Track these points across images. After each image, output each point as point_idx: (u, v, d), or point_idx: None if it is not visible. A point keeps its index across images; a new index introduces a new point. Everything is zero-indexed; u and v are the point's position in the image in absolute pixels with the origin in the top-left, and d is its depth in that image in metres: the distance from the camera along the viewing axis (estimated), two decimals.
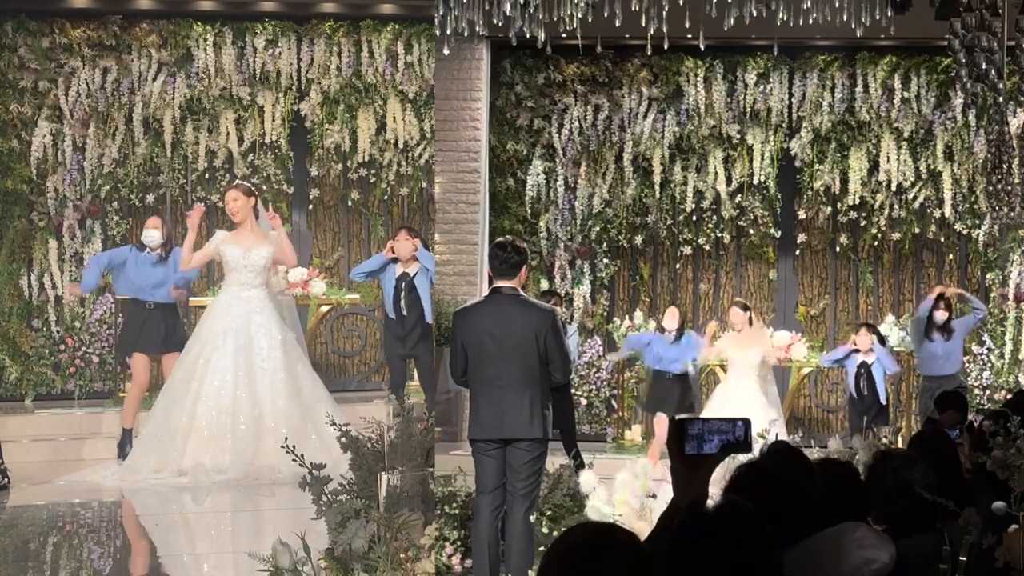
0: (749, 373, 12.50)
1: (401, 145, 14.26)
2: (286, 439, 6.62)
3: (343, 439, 6.55)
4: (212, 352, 10.96)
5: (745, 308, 12.87)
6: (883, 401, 12.69)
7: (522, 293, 8.02)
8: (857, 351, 12.78)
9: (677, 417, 3.03)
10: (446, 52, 11.84)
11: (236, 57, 14.08)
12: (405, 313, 11.84)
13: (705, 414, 12.47)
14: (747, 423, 2.97)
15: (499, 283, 7.93)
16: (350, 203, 14.50)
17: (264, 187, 14.00)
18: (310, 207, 14.49)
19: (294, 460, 5.99)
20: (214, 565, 8.72)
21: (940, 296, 13.05)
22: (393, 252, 11.96)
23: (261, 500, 10.26)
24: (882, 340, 12.90)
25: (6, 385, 13.61)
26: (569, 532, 2.62)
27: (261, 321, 11.13)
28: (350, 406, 11.33)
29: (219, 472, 10.53)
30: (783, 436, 10.61)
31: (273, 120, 14.17)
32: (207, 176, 14.15)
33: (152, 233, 11.89)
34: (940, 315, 12.83)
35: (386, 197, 14.47)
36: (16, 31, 13.73)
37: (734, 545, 2.78)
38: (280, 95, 14.20)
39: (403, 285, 11.86)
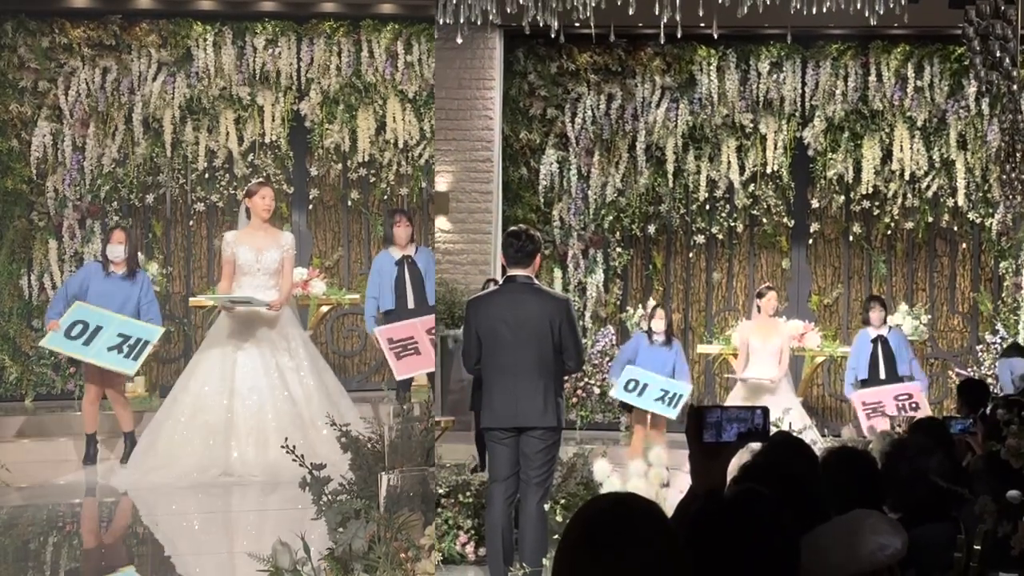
0: (771, 360, 12.45)
1: (401, 145, 14.23)
2: (286, 440, 6.64)
3: (343, 439, 6.56)
4: (237, 352, 10.85)
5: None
6: (909, 372, 12.58)
7: (536, 282, 8.02)
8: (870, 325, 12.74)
9: (696, 405, 3.05)
10: (459, 41, 11.84)
11: (236, 57, 14.08)
12: (412, 305, 11.46)
13: (729, 402, 12.45)
14: (765, 411, 2.98)
15: (513, 272, 7.93)
16: (350, 203, 14.50)
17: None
18: (310, 207, 14.49)
19: (294, 460, 6.00)
20: (218, 565, 8.70)
21: None
22: (395, 242, 11.65)
23: (269, 500, 10.14)
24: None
25: (6, 385, 13.63)
26: (591, 503, 2.63)
27: (280, 320, 11.03)
28: None
29: (276, 469, 10.17)
30: (804, 422, 10.59)
31: (273, 120, 14.15)
32: (207, 176, 14.16)
33: (117, 248, 11.50)
34: None
35: (386, 197, 14.43)
36: (16, 31, 13.75)
37: (752, 531, 2.79)
38: (280, 95, 14.18)
39: (405, 269, 11.50)
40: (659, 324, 12.43)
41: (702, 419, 2.96)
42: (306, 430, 10.48)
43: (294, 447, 6.00)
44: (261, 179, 12.13)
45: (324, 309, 13.51)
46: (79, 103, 13.83)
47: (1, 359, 13.61)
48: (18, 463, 10.82)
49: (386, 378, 13.83)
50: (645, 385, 12.11)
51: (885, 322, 12.75)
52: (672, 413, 12.02)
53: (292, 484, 9.97)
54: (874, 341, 12.65)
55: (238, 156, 14.12)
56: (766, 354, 12.44)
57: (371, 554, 5.86)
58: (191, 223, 14.28)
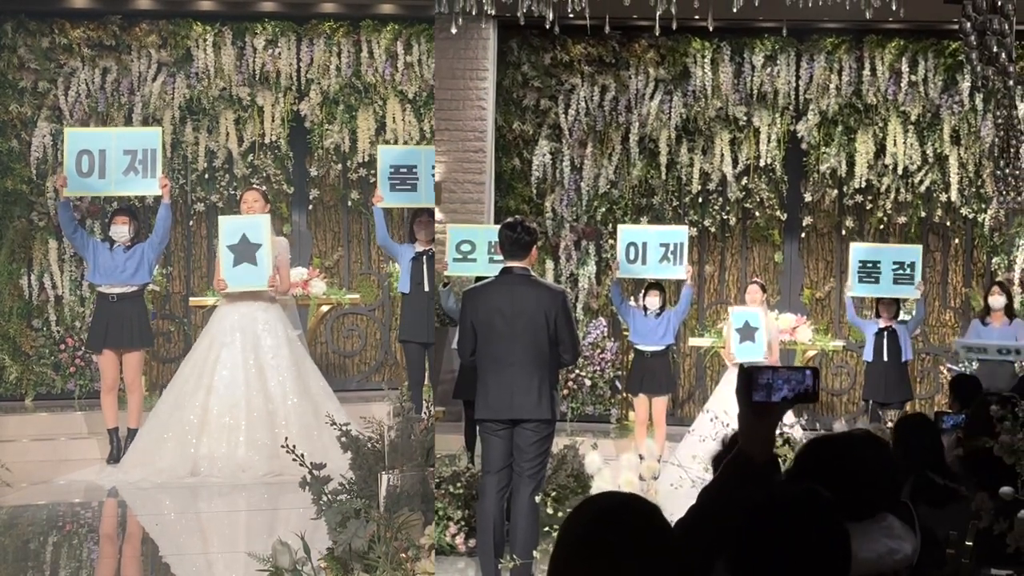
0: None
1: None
2: (286, 439, 6.63)
3: (343, 439, 6.56)
4: (221, 348, 10.99)
5: (763, 289, 12.80)
6: (905, 359, 12.59)
7: (532, 273, 8.01)
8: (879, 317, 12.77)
9: (746, 365, 3.03)
10: (453, 31, 11.82)
11: (236, 57, 14.07)
12: (428, 288, 11.59)
13: (713, 397, 12.43)
14: (815, 372, 2.99)
15: (509, 263, 7.93)
16: (350, 203, 14.51)
17: (264, 187, 13.98)
18: (310, 207, 14.50)
19: (294, 459, 5.99)
20: (217, 565, 8.68)
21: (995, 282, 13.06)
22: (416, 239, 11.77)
23: (266, 500, 10.14)
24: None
25: (6, 385, 13.59)
26: (589, 503, 2.60)
27: (267, 319, 11.18)
28: (350, 406, 11.24)
29: (241, 468, 10.51)
30: (790, 419, 10.57)
31: (273, 120, 14.15)
32: (207, 176, 14.15)
33: (120, 228, 11.50)
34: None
35: None
36: (16, 31, 13.71)
37: (809, 536, 2.77)
38: (280, 95, 14.18)
39: (423, 261, 11.64)
40: (654, 301, 12.58)
41: (753, 379, 2.96)
42: (276, 430, 10.51)
43: (294, 446, 6.00)
44: (253, 184, 12.21)
45: (324, 309, 13.56)
46: (79, 103, 13.81)
47: (1, 359, 13.56)
48: (18, 463, 10.83)
49: (386, 378, 13.84)
50: (644, 245, 12.33)
51: (896, 316, 12.74)
52: (679, 271, 12.34)
53: (268, 484, 10.11)
54: (879, 333, 12.64)
55: (238, 156, 14.11)
56: None
57: (371, 554, 5.86)
58: (191, 223, 14.27)
